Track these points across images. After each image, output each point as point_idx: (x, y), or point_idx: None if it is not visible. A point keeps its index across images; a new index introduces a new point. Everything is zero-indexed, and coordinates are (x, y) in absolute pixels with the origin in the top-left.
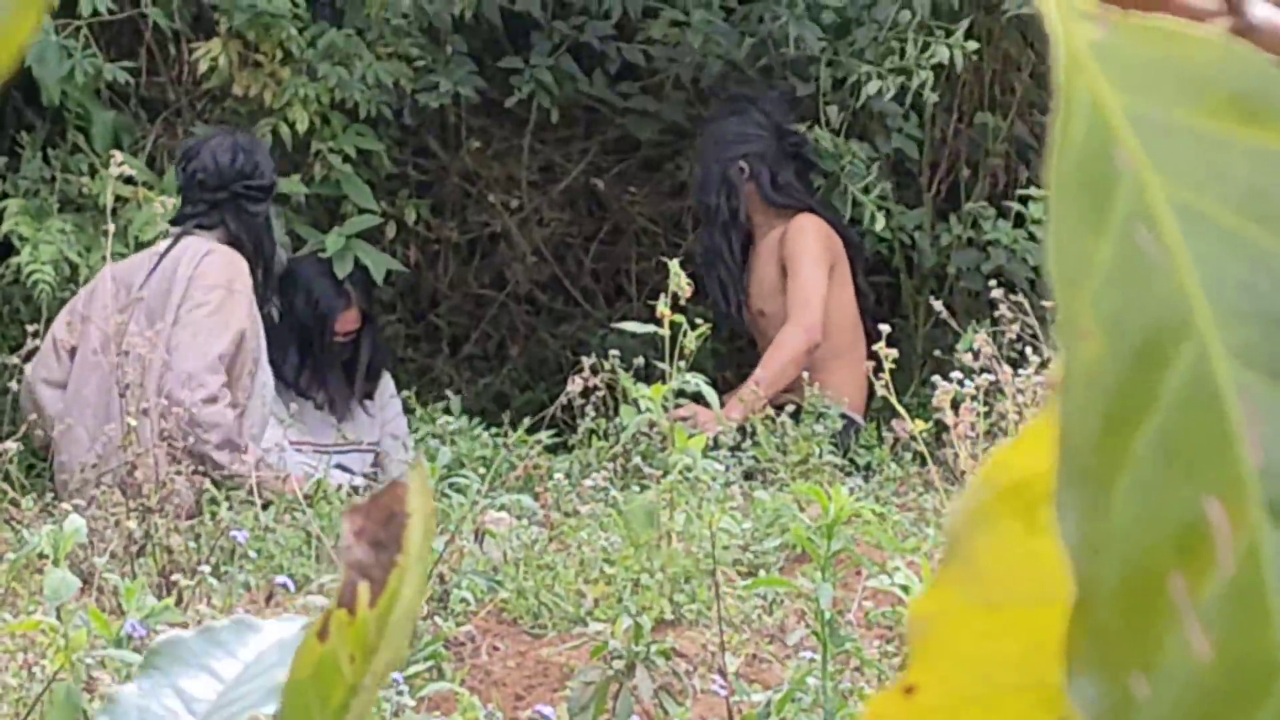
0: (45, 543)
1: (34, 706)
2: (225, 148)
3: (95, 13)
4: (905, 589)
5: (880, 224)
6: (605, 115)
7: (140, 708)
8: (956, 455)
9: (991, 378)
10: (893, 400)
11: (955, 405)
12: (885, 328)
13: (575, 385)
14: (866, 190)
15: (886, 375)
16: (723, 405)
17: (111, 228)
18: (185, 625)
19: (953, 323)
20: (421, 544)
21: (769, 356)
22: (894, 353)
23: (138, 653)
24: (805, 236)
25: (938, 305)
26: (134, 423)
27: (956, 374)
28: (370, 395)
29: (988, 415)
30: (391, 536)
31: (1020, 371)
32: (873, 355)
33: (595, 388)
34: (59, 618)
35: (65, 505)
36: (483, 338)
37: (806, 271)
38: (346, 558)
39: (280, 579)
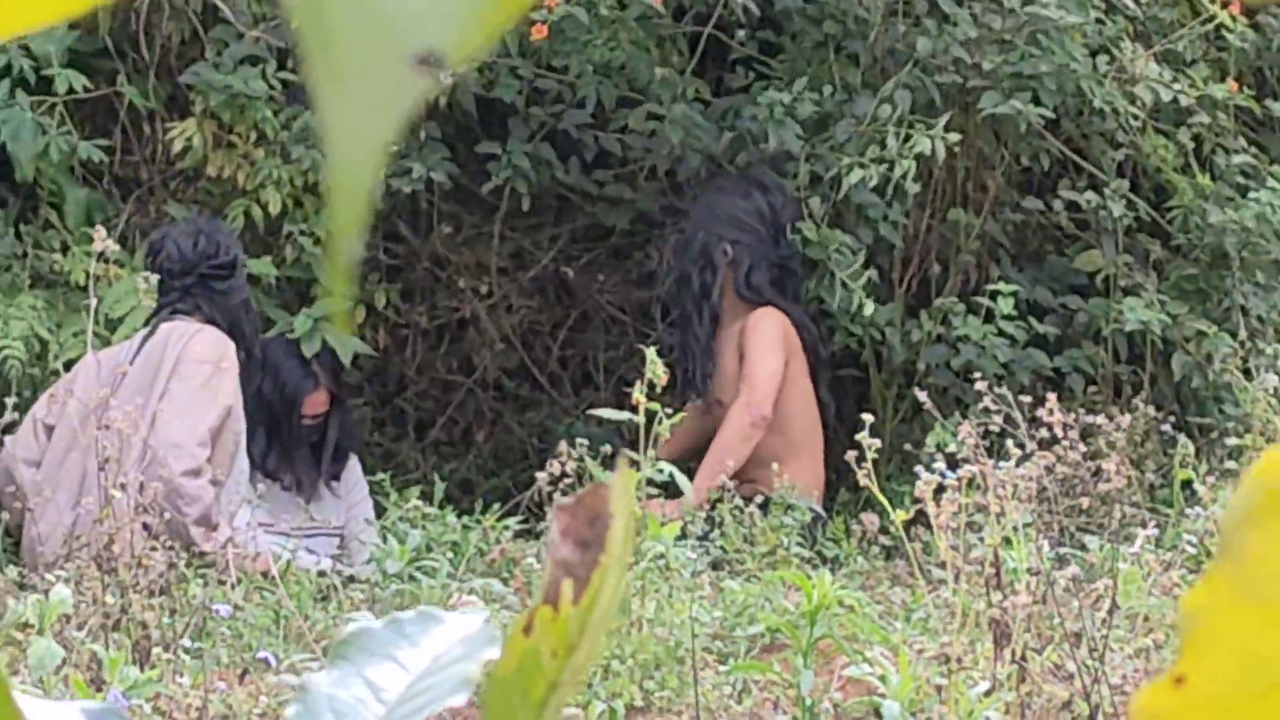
0: (30, 612)
1: None
2: (187, 234)
3: (71, 90)
4: (883, 678)
5: (869, 309)
6: (576, 203)
7: (330, 696)
8: (927, 547)
9: (974, 469)
10: (874, 490)
11: (936, 495)
12: (868, 417)
13: (550, 469)
14: (855, 277)
15: (869, 465)
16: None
17: (95, 301)
18: (162, 698)
19: (935, 413)
20: (623, 545)
21: (718, 435)
22: (876, 442)
23: None
24: (762, 326)
25: (922, 396)
26: (118, 494)
27: (939, 464)
28: (337, 477)
29: (967, 507)
30: (596, 536)
31: (1001, 464)
32: (855, 445)
33: (565, 475)
34: (42, 688)
35: (48, 576)
36: (449, 423)
37: (759, 356)
38: (553, 555)
39: (262, 653)
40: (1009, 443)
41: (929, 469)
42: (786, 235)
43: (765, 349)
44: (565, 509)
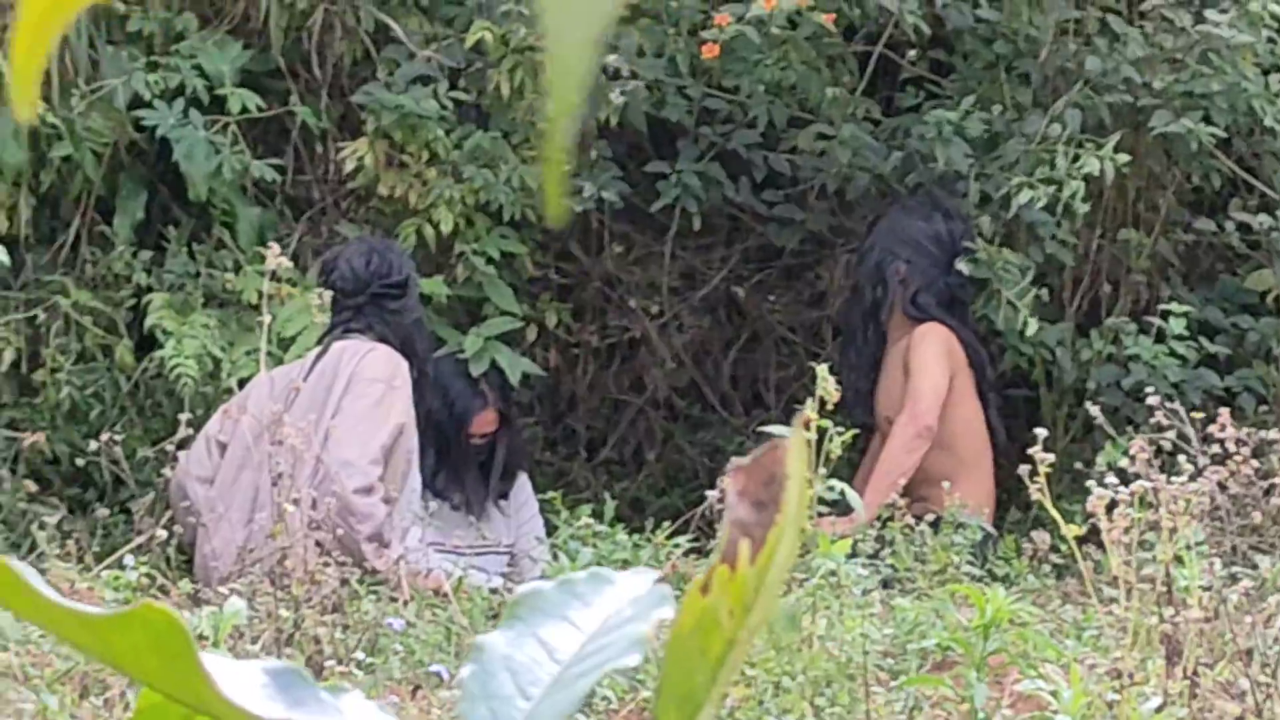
0: (205, 625)
1: None
2: (360, 253)
3: (244, 110)
4: (1055, 694)
5: (1032, 329)
6: (747, 223)
7: (505, 656)
8: (1098, 565)
9: (1147, 484)
10: (1047, 503)
11: (1109, 511)
12: (1041, 432)
13: (720, 487)
14: (1021, 295)
15: (1042, 480)
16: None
17: (268, 318)
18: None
19: (1108, 429)
20: (798, 506)
21: (884, 450)
22: (1049, 457)
23: None
24: (926, 341)
25: (1094, 411)
26: (291, 509)
27: (1112, 479)
28: (505, 496)
29: (1139, 524)
30: (771, 497)
31: (1173, 480)
32: (1027, 459)
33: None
34: None
35: (222, 590)
36: (620, 442)
37: (922, 369)
38: (730, 516)
39: (434, 667)
40: (1181, 459)
41: (1102, 485)
42: (958, 261)
43: (929, 363)
44: (742, 470)
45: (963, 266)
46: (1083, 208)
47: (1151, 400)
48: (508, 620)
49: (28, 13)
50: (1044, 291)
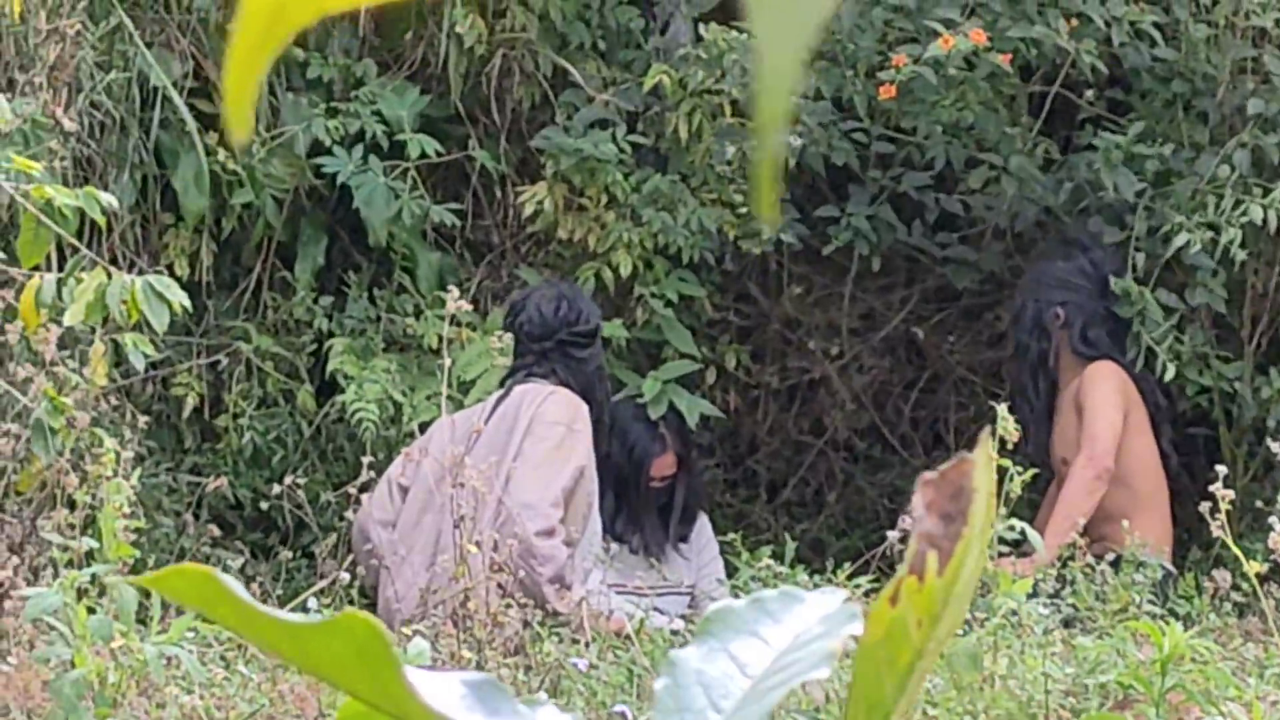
0: None
1: None
2: (549, 298)
3: (423, 155)
4: None
5: (1170, 374)
6: (925, 264)
7: (698, 670)
8: (1279, 604)
9: None
10: (1228, 539)
11: None
12: (1221, 469)
13: (901, 526)
14: (1161, 339)
15: (1223, 516)
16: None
17: (449, 362)
18: None
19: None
20: (985, 518)
21: (1063, 492)
22: (1230, 494)
23: None
24: (1099, 380)
25: (1276, 448)
26: (474, 550)
27: None
28: (685, 539)
29: None
30: (959, 510)
31: None
32: (1208, 496)
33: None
34: None
35: (404, 631)
36: (801, 484)
37: (1097, 409)
38: (918, 528)
39: (618, 708)
40: None
41: None
42: (1110, 287)
43: (1103, 401)
44: (930, 483)
45: (1116, 290)
46: (1241, 255)
47: None
48: (700, 636)
49: (242, 38)
50: (1213, 336)
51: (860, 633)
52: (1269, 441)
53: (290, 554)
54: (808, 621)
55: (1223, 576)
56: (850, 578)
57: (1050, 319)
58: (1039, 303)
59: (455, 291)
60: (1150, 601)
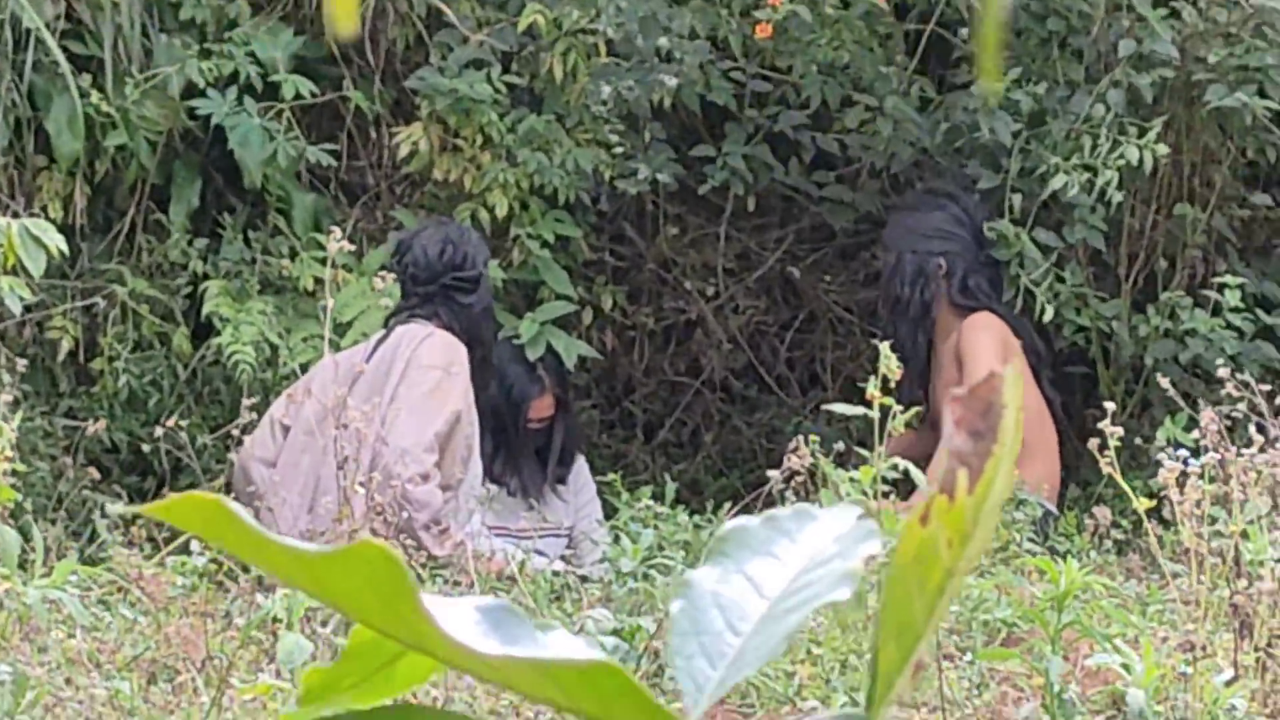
0: (278, 607)
1: None
2: (435, 241)
3: (298, 96)
4: (1127, 668)
5: (1049, 315)
6: (801, 204)
7: (713, 592)
8: (1160, 540)
9: (1216, 457)
10: (1117, 476)
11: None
12: (1110, 405)
13: (791, 462)
14: (1040, 280)
15: (1112, 453)
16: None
17: (330, 302)
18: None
19: (1179, 402)
20: (1014, 435)
21: (942, 443)
22: (1119, 430)
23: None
24: (978, 331)
25: (1165, 383)
26: (360, 491)
27: (1183, 452)
28: (563, 480)
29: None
30: (989, 426)
31: (1244, 452)
32: (1088, 435)
33: (797, 473)
34: (291, 681)
35: None
36: (677, 425)
37: (978, 361)
38: (948, 446)
39: None
40: (1252, 429)
41: (1172, 457)
42: (984, 235)
43: (983, 352)
44: (959, 400)
45: (992, 236)
46: (1118, 196)
47: (1222, 372)
48: (714, 557)
49: None
50: (1097, 268)
51: (877, 551)
52: (1158, 378)
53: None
54: (823, 540)
55: (1103, 514)
56: (731, 515)
57: (933, 270)
58: (918, 254)
59: (338, 232)
60: (1030, 540)
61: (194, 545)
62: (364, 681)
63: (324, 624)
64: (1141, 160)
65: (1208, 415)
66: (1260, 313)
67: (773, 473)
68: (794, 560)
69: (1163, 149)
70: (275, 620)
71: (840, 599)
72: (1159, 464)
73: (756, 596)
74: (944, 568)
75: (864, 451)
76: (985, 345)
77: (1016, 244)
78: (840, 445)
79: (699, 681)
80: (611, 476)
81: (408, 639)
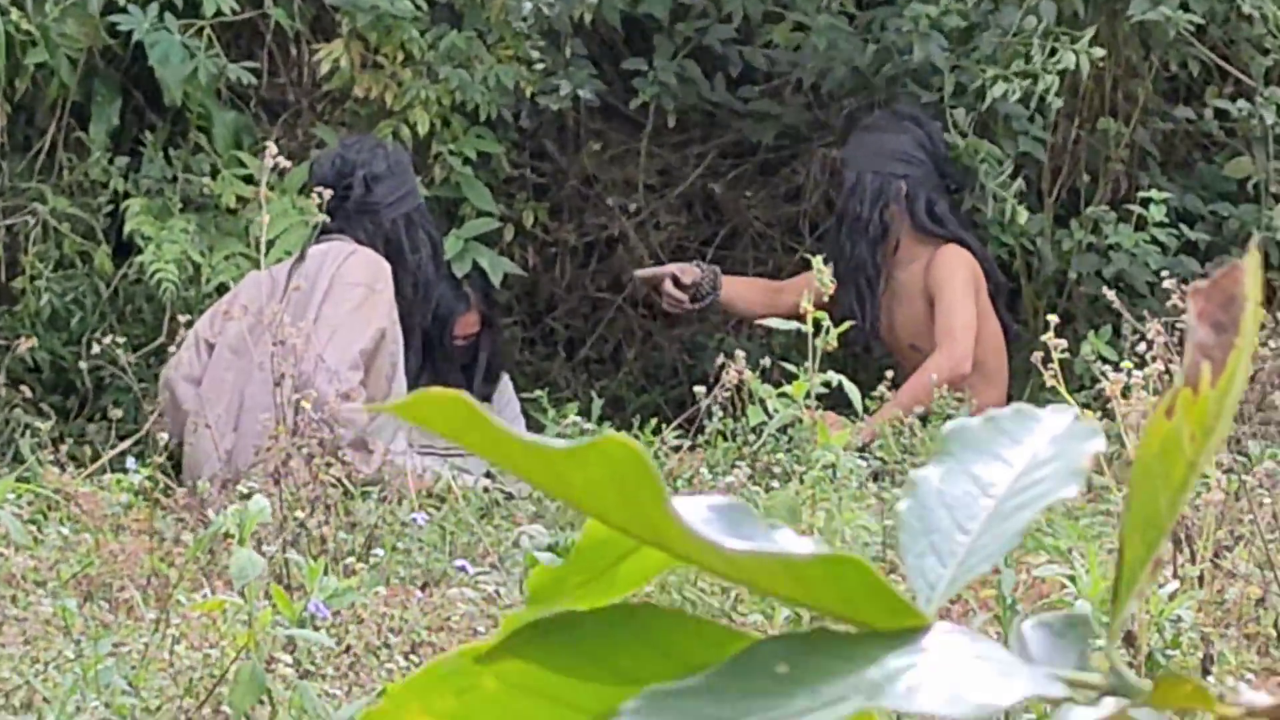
0: (230, 522)
1: (216, 686)
2: (329, 156)
3: (218, 13)
4: (1073, 579)
5: (1023, 217)
6: (722, 119)
7: (939, 491)
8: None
9: (1160, 368)
10: (1062, 389)
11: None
12: (1054, 318)
13: (726, 376)
14: (1004, 187)
15: (1056, 366)
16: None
17: (265, 218)
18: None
19: (1125, 313)
20: (1253, 326)
21: (912, 381)
22: (1062, 342)
23: (318, 631)
24: (954, 270)
25: (1111, 295)
26: (308, 406)
27: (1126, 363)
28: (489, 398)
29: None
30: (1231, 319)
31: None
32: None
33: (726, 388)
34: (243, 598)
35: (240, 488)
36: (599, 341)
37: (955, 302)
38: (1191, 339)
39: (458, 562)
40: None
41: (1128, 366)
42: (950, 165)
43: (961, 295)
44: (1200, 293)
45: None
46: (1057, 102)
47: (1169, 284)
48: (939, 456)
49: None
50: (1022, 183)
51: (1103, 448)
52: (1104, 290)
53: (104, 416)
54: (1044, 439)
55: None
56: (655, 432)
57: (895, 192)
58: (880, 175)
59: (272, 148)
60: None
61: (130, 461)
62: (590, 582)
63: (269, 542)
64: (1079, 65)
65: (1155, 327)
66: (1184, 227)
67: (699, 389)
68: (1017, 460)
69: (1098, 52)
70: (228, 536)
71: (1070, 495)
72: (1087, 377)
73: (983, 495)
74: (1187, 461)
75: (790, 366)
76: (960, 287)
77: (978, 153)
78: (765, 361)
79: (930, 579)
80: (537, 393)
81: (648, 536)
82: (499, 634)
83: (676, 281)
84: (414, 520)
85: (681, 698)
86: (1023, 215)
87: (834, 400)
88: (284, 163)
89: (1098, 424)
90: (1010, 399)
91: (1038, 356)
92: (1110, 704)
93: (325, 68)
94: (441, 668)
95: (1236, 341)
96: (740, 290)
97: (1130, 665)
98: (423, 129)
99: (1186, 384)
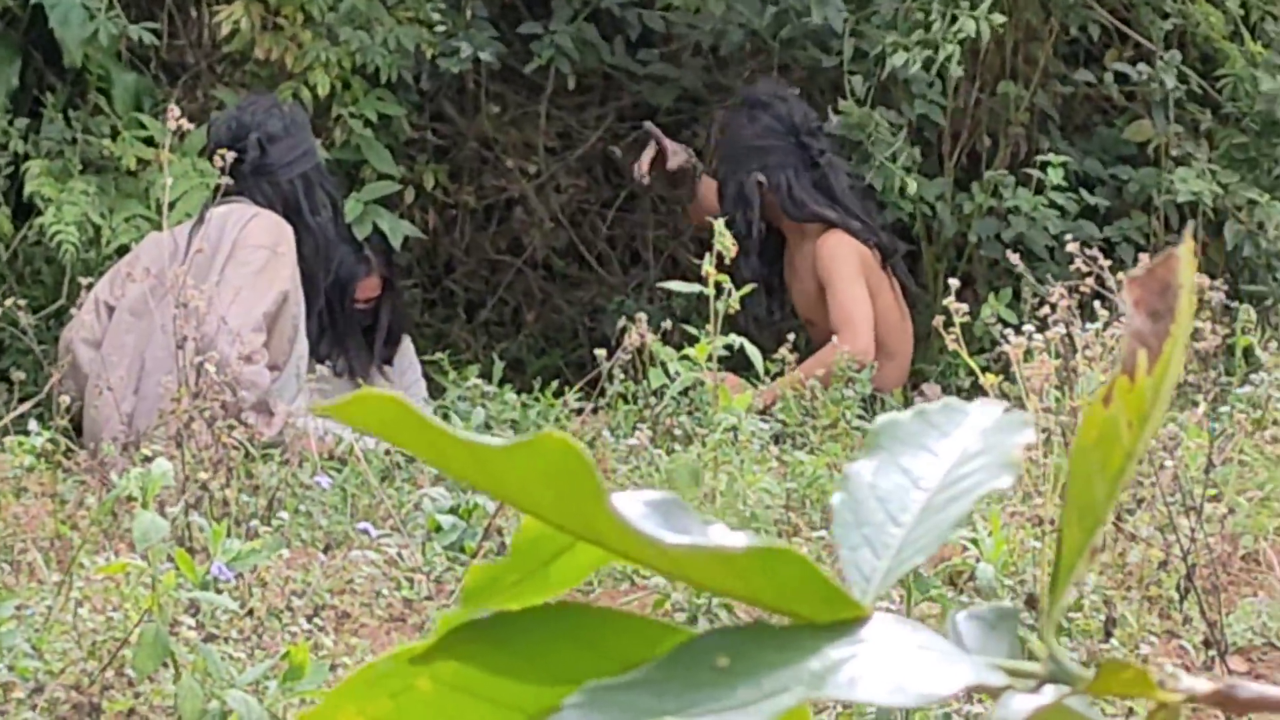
0: (133, 485)
1: (120, 649)
2: (225, 118)
3: None
4: (975, 542)
5: (913, 188)
6: (622, 82)
7: (871, 484)
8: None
9: (1061, 331)
10: (963, 351)
11: (1024, 359)
12: (954, 282)
13: (628, 338)
14: (894, 158)
15: (957, 329)
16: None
17: (168, 181)
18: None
19: (1029, 276)
20: (1189, 313)
21: (815, 356)
22: (964, 306)
23: (221, 594)
24: (836, 258)
25: (1014, 258)
26: (210, 368)
27: (1028, 327)
28: (390, 361)
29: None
30: (1166, 306)
31: (1088, 326)
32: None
33: (627, 350)
34: (146, 561)
35: (143, 451)
36: (499, 304)
37: (847, 293)
38: (1128, 327)
39: (362, 525)
40: (1097, 305)
41: (1030, 330)
42: (814, 138)
43: (849, 285)
44: (1136, 281)
45: (835, 120)
46: (958, 71)
47: (1072, 248)
48: (869, 450)
49: None
50: (921, 148)
51: (1031, 440)
52: (1008, 254)
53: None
54: (973, 433)
55: (933, 391)
56: (557, 395)
57: (752, 188)
58: (736, 177)
59: (175, 110)
60: (859, 417)
61: (32, 425)
62: (525, 580)
63: (172, 505)
64: (979, 32)
65: (1058, 290)
66: (1083, 191)
67: (600, 352)
68: (947, 453)
69: (999, 18)
70: (130, 499)
71: (1003, 487)
72: (987, 340)
73: (915, 488)
74: (1125, 449)
75: (690, 329)
76: (849, 276)
77: (870, 120)
78: (666, 324)
79: (865, 571)
80: (439, 355)
81: (585, 532)
82: (433, 635)
83: (661, 158)
84: (316, 483)
85: (623, 692)
86: (912, 185)
87: (735, 363)
88: (185, 125)
89: (1028, 416)
90: (913, 366)
91: (939, 320)
92: (1051, 691)
93: (226, 29)
94: (376, 669)
95: (1172, 329)
96: (711, 195)
97: (1032, 629)
98: (323, 91)
99: (1123, 372)
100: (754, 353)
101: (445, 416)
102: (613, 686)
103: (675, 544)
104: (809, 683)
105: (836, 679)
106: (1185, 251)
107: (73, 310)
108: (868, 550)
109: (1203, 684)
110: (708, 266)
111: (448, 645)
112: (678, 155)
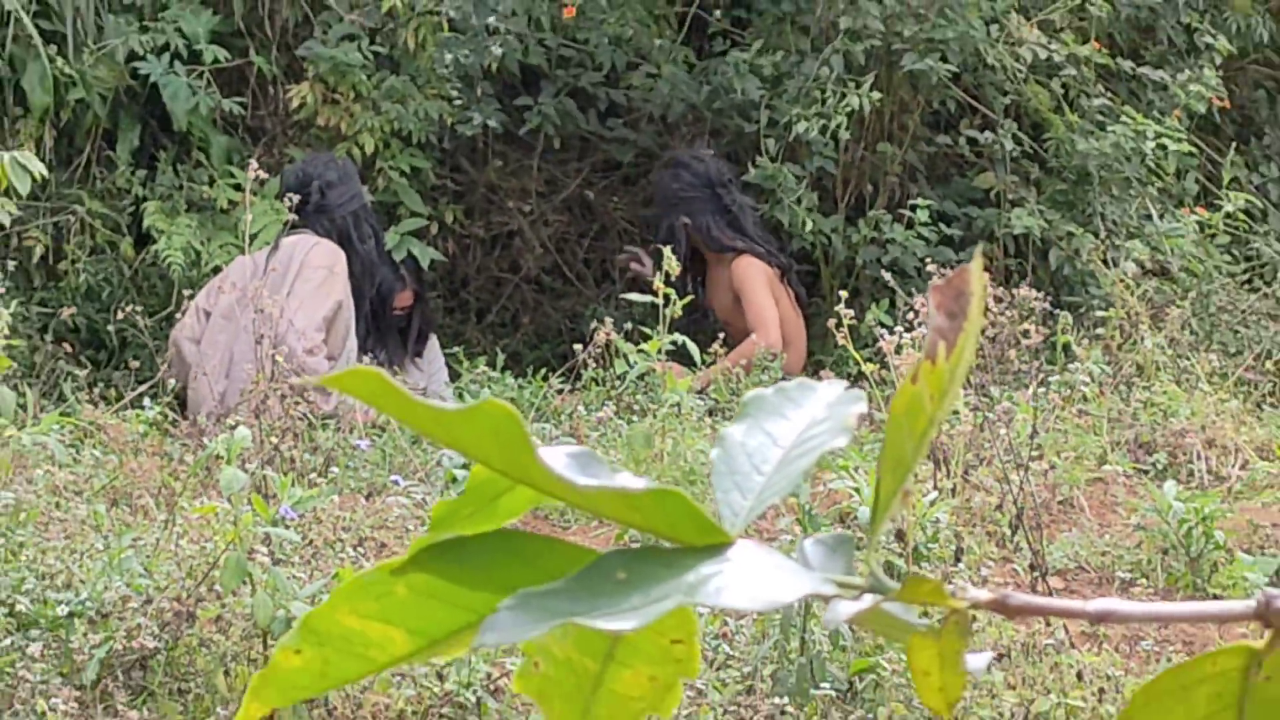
0: (220, 447)
1: (210, 571)
2: (294, 170)
3: (215, 61)
4: (857, 490)
5: (810, 226)
6: (595, 143)
7: (741, 443)
8: (872, 398)
9: (924, 332)
10: (849, 346)
11: (895, 352)
12: (844, 294)
13: (598, 336)
14: (799, 201)
15: (846, 330)
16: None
17: (250, 217)
18: (317, 510)
19: (899, 290)
20: (978, 314)
21: (738, 350)
22: (850, 312)
23: (288, 529)
24: (748, 276)
25: (887, 276)
26: (281, 359)
27: (900, 328)
28: (420, 354)
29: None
30: (961, 308)
31: None
32: (822, 317)
33: (598, 345)
34: (230, 504)
35: (227, 421)
36: (502, 310)
37: (757, 301)
38: (930, 323)
39: (394, 476)
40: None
41: (901, 327)
42: (725, 188)
43: (760, 297)
44: (937, 288)
45: (732, 190)
46: (845, 135)
47: (932, 268)
48: (741, 417)
49: None
50: (820, 192)
51: (863, 411)
52: (884, 274)
53: (125, 367)
54: (821, 404)
55: (828, 376)
56: (545, 379)
57: (679, 229)
58: (668, 219)
59: (255, 164)
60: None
61: (146, 402)
62: (477, 513)
63: (246, 462)
64: (862, 105)
65: (920, 300)
66: (943, 225)
67: (577, 346)
68: (799, 419)
69: (876, 95)
70: (219, 457)
71: (839, 446)
72: (870, 339)
73: (773, 446)
74: (928, 416)
75: (646, 329)
76: (758, 291)
77: (780, 173)
78: (628, 325)
79: (735, 509)
80: (456, 350)
81: (521, 477)
82: (407, 553)
83: (640, 262)
84: (360, 445)
85: (545, 598)
86: (808, 224)
87: (679, 355)
88: (263, 175)
89: (861, 393)
90: (811, 355)
91: (832, 324)
92: (869, 599)
93: (295, 103)
94: (364, 579)
95: (965, 326)
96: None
97: (900, 555)
98: (369, 149)
99: (927, 358)
100: (693, 347)
101: (460, 396)
102: (538, 593)
103: (587, 485)
104: (685, 591)
105: (706, 589)
106: (975, 266)
107: (178, 315)
108: (737, 493)
109: (983, 594)
110: (658, 282)
111: (418, 561)
112: (646, 264)
